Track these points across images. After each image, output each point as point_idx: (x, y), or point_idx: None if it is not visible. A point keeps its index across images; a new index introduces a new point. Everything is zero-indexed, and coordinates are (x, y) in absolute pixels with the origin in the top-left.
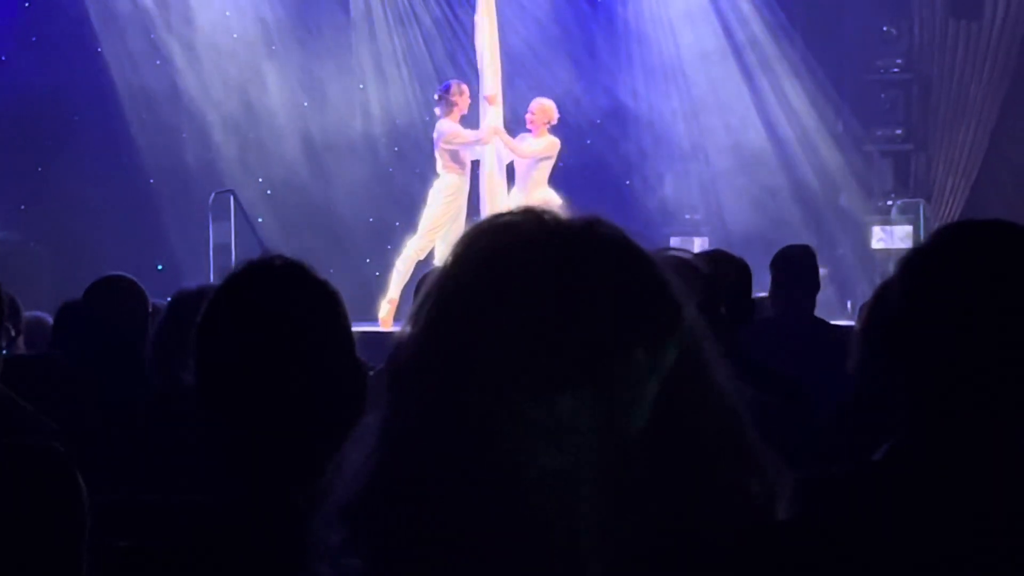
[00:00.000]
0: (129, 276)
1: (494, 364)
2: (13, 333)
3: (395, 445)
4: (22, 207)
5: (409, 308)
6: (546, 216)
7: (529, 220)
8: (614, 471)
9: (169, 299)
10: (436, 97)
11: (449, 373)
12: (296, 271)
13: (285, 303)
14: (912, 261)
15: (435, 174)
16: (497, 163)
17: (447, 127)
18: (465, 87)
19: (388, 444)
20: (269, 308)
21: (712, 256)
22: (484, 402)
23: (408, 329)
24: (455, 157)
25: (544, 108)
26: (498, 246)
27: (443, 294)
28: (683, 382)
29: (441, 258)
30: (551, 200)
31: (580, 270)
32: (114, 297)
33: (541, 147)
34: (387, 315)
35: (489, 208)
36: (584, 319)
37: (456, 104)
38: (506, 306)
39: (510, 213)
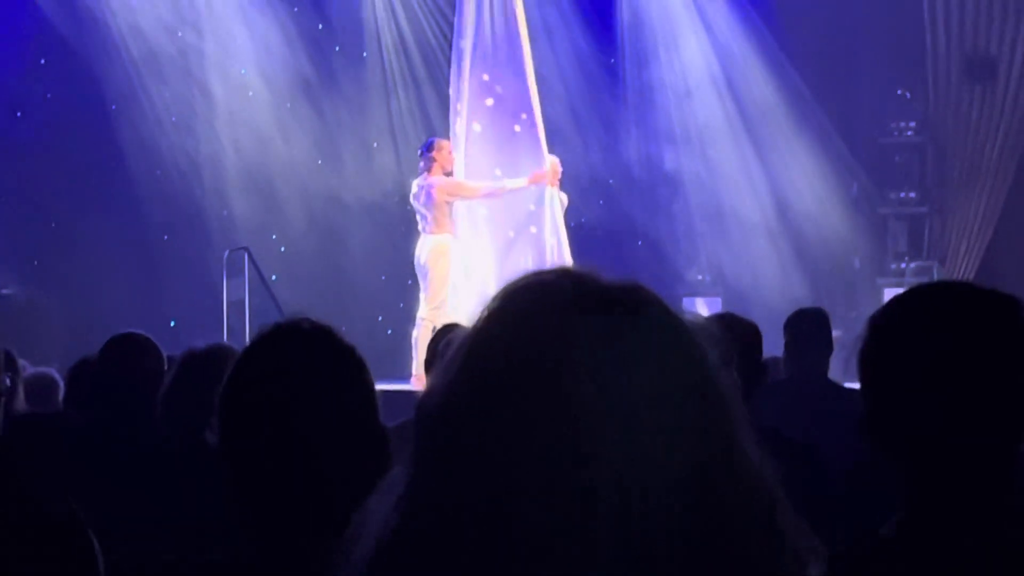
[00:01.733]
0: (145, 334)
1: (521, 429)
2: (9, 383)
3: (421, 498)
4: (35, 262)
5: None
6: (586, 279)
7: (568, 281)
8: (640, 544)
9: (179, 358)
10: (419, 153)
11: (477, 433)
12: (323, 335)
13: (312, 366)
14: (873, 340)
15: (425, 234)
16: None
17: (441, 180)
18: (447, 143)
19: (414, 496)
20: (296, 371)
21: (724, 319)
22: (509, 465)
23: (438, 381)
24: (449, 214)
25: (552, 167)
26: (535, 307)
27: (476, 350)
28: (716, 458)
29: (460, 316)
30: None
31: (617, 338)
32: (130, 355)
33: (562, 197)
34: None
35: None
36: (617, 391)
37: (436, 160)
38: (539, 370)
39: (550, 272)
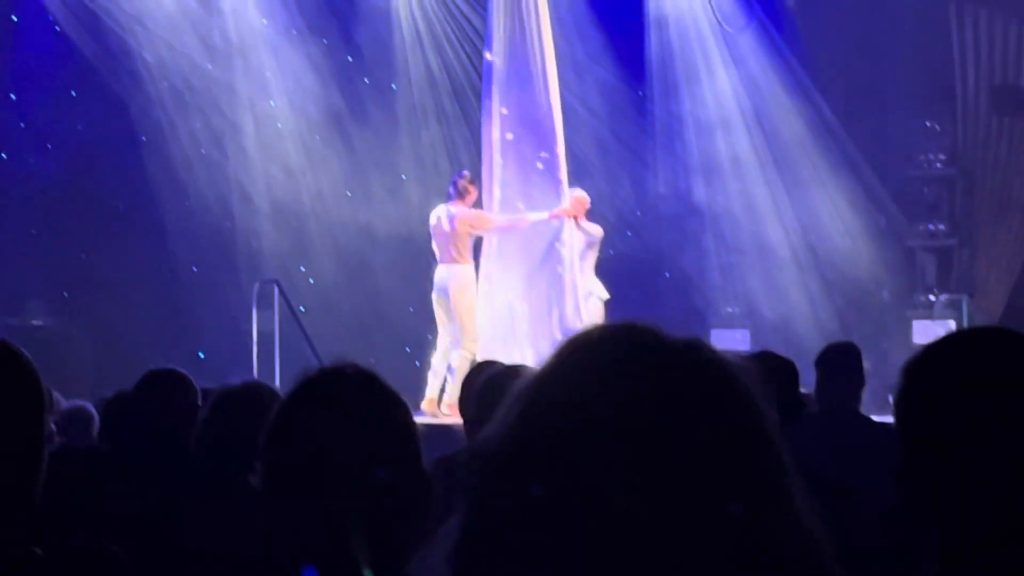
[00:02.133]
0: (180, 370)
1: (579, 481)
2: (55, 428)
3: (477, 548)
4: (65, 294)
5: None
6: (649, 335)
7: (633, 337)
8: None
9: (213, 395)
10: (452, 180)
11: (536, 484)
12: (367, 380)
13: (356, 411)
14: (910, 386)
15: (446, 264)
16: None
17: (465, 211)
18: (471, 177)
19: (474, 540)
20: (340, 416)
21: (761, 357)
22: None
23: (496, 431)
24: (470, 245)
25: (580, 199)
26: (598, 361)
27: (538, 401)
28: (769, 509)
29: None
30: (597, 291)
31: (676, 395)
32: (166, 391)
33: (598, 230)
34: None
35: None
36: (680, 458)
37: (469, 192)
38: (601, 425)
39: (612, 327)
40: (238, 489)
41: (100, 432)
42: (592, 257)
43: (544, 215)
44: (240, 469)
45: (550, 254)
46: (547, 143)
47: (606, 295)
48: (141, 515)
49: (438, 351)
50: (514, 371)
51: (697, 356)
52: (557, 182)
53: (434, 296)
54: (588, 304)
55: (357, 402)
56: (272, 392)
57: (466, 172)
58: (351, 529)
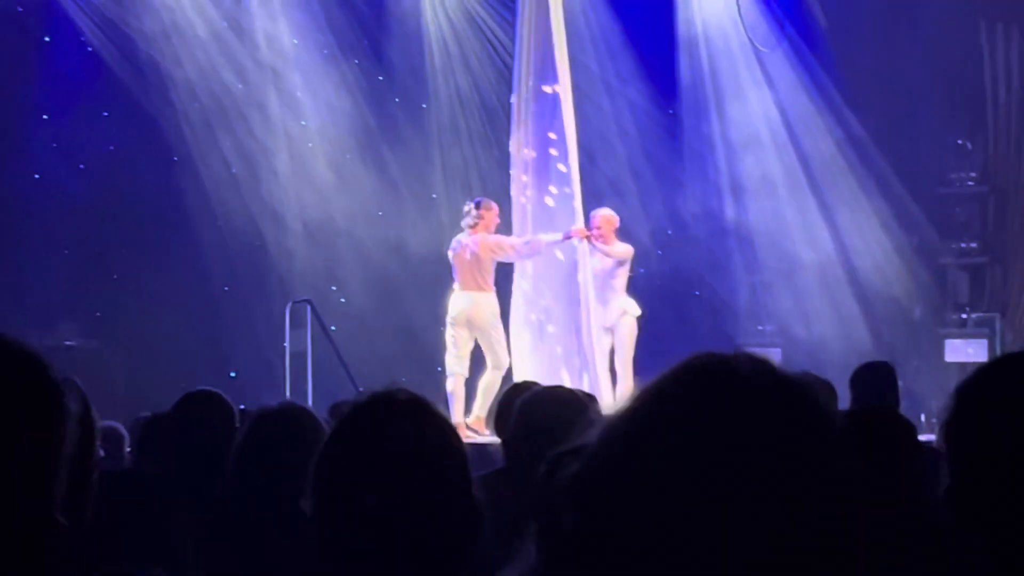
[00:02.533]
0: (218, 391)
1: (687, 509)
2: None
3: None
4: (97, 313)
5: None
6: (765, 365)
7: (747, 366)
8: None
9: (251, 416)
10: (465, 211)
11: (648, 512)
12: (418, 407)
13: (407, 439)
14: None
15: (469, 291)
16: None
17: (485, 238)
18: (495, 206)
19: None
20: (391, 443)
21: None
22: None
23: (600, 451)
24: (492, 271)
25: (608, 218)
26: (717, 387)
27: (653, 424)
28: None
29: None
30: (631, 309)
31: (794, 429)
32: (203, 412)
33: (625, 249)
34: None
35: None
36: (793, 499)
37: (483, 219)
38: (712, 454)
39: (727, 356)
40: (282, 512)
41: (134, 453)
42: (623, 276)
43: (558, 236)
44: (281, 491)
45: (571, 276)
46: (559, 178)
47: (638, 311)
48: (179, 537)
49: (455, 376)
50: (553, 392)
51: (811, 392)
52: (572, 211)
53: (454, 322)
54: (622, 323)
55: (408, 428)
56: (309, 414)
57: (480, 199)
58: (402, 555)
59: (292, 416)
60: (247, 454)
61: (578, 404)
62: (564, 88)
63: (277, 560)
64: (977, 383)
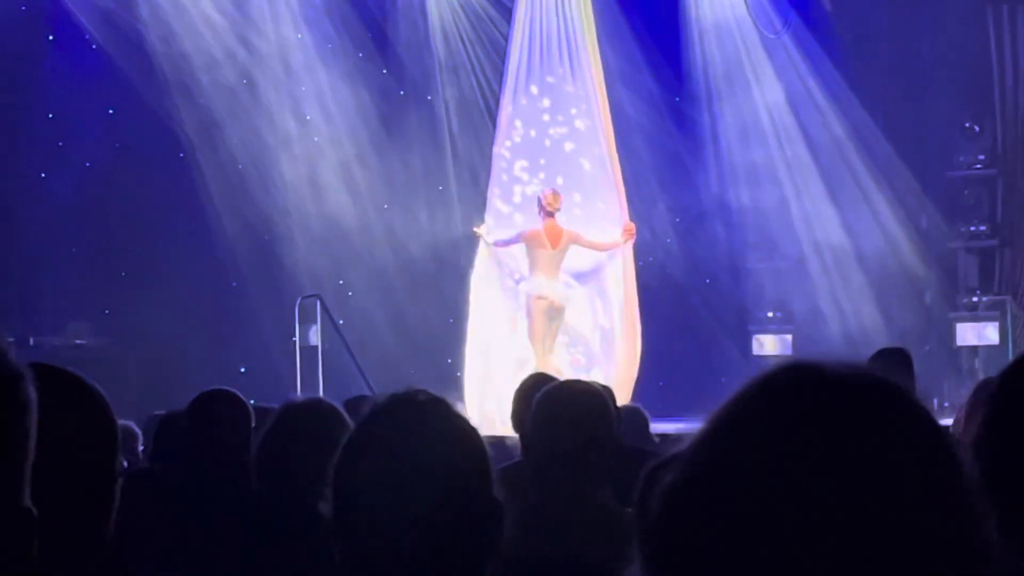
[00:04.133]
0: (234, 390)
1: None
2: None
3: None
4: (106, 312)
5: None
6: (863, 372)
7: (845, 374)
8: None
9: (277, 409)
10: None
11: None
12: (439, 407)
13: (428, 439)
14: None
15: (554, 278)
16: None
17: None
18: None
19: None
20: (412, 444)
21: None
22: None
23: (698, 455)
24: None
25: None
26: (815, 397)
27: (749, 433)
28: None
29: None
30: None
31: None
32: (219, 411)
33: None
34: None
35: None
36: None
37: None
38: (809, 464)
39: (829, 364)
40: (306, 513)
41: (151, 452)
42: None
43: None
44: (306, 492)
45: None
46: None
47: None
48: (200, 537)
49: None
50: (570, 386)
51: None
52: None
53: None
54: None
55: (429, 428)
56: (334, 410)
57: (547, 190)
58: (422, 557)
59: (319, 411)
60: (272, 451)
61: (596, 397)
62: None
63: (297, 562)
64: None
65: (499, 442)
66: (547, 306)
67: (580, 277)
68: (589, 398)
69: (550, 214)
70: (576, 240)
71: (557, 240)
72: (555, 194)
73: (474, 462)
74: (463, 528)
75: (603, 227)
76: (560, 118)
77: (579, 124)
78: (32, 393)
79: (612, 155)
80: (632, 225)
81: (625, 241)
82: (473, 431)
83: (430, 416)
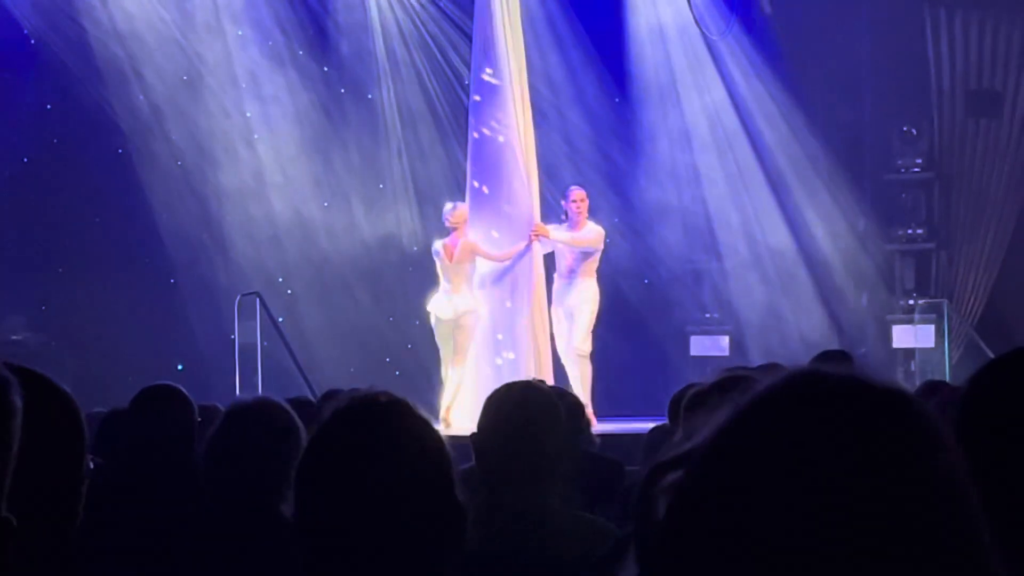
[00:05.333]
0: (178, 386)
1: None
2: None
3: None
4: (43, 307)
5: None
6: (857, 381)
7: (849, 382)
8: None
9: (225, 410)
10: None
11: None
12: (401, 408)
13: (390, 439)
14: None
15: (576, 279)
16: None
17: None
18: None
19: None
20: (374, 444)
21: (770, 369)
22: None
23: (702, 452)
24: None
25: (585, 195)
26: (824, 406)
27: (750, 438)
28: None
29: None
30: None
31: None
32: (162, 407)
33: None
34: None
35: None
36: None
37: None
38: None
39: (832, 374)
40: (263, 514)
41: (93, 450)
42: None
43: (522, 245)
44: (260, 492)
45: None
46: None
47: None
48: (150, 538)
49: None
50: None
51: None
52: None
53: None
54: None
55: (391, 430)
56: (284, 410)
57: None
58: (386, 558)
59: (267, 411)
60: (219, 449)
61: (546, 399)
62: (512, 76)
63: (255, 563)
64: (987, 375)
65: (465, 443)
66: (436, 321)
67: (495, 275)
68: (535, 398)
69: (453, 228)
70: (474, 251)
71: (451, 254)
72: (455, 209)
73: (436, 463)
74: (426, 529)
75: (513, 227)
76: (486, 116)
77: (496, 122)
78: (17, 401)
79: (529, 154)
80: (541, 226)
81: (532, 241)
82: (435, 433)
83: (392, 417)
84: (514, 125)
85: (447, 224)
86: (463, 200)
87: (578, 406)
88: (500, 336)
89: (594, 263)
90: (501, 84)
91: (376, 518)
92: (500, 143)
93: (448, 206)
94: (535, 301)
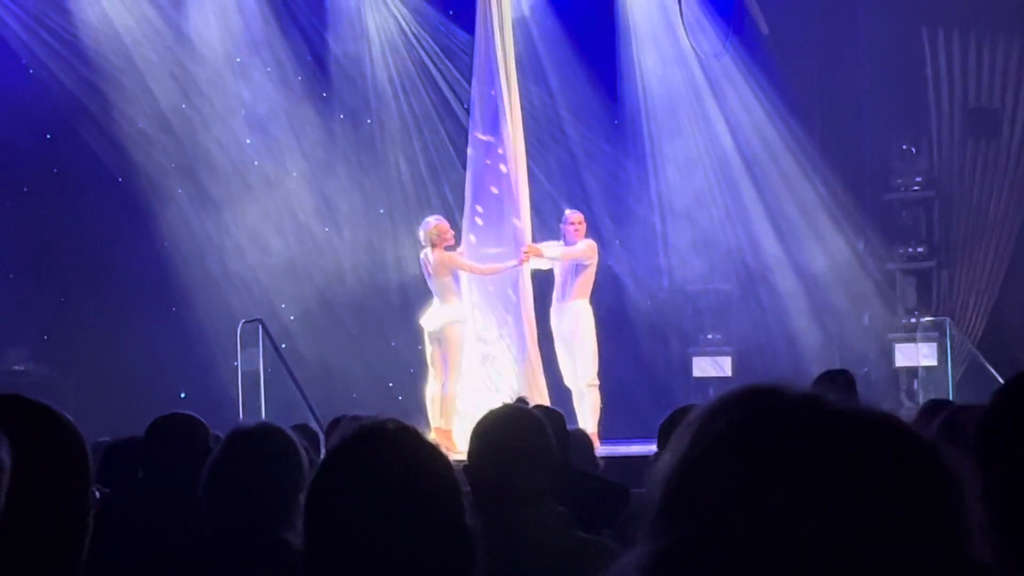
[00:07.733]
0: (194, 414)
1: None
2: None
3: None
4: (45, 337)
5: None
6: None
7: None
8: None
9: (225, 436)
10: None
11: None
12: (409, 436)
13: (399, 468)
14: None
15: (568, 301)
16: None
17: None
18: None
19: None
20: (383, 473)
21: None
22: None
23: (679, 464)
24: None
25: (583, 218)
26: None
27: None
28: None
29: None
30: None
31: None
32: (176, 436)
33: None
34: None
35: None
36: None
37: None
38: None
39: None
40: (267, 541)
41: (100, 478)
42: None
43: (513, 262)
44: (264, 519)
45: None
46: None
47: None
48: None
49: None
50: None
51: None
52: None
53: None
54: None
55: (400, 457)
56: (285, 434)
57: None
58: None
59: (268, 437)
60: (221, 474)
61: (531, 421)
62: (506, 92)
63: None
64: (1011, 392)
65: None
66: (426, 334)
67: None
68: (520, 421)
69: (433, 244)
70: (451, 265)
71: (429, 268)
72: (428, 226)
73: (446, 489)
74: (436, 555)
75: (508, 253)
76: (479, 135)
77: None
78: (6, 458)
79: (521, 175)
80: (533, 246)
81: (521, 263)
82: (444, 459)
83: (401, 444)
84: (511, 151)
85: (421, 241)
86: (444, 216)
87: (560, 421)
88: (490, 349)
89: (588, 280)
90: (499, 107)
91: (387, 546)
92: (500, 172)
93: (424, 221)
94: (525, 315)
